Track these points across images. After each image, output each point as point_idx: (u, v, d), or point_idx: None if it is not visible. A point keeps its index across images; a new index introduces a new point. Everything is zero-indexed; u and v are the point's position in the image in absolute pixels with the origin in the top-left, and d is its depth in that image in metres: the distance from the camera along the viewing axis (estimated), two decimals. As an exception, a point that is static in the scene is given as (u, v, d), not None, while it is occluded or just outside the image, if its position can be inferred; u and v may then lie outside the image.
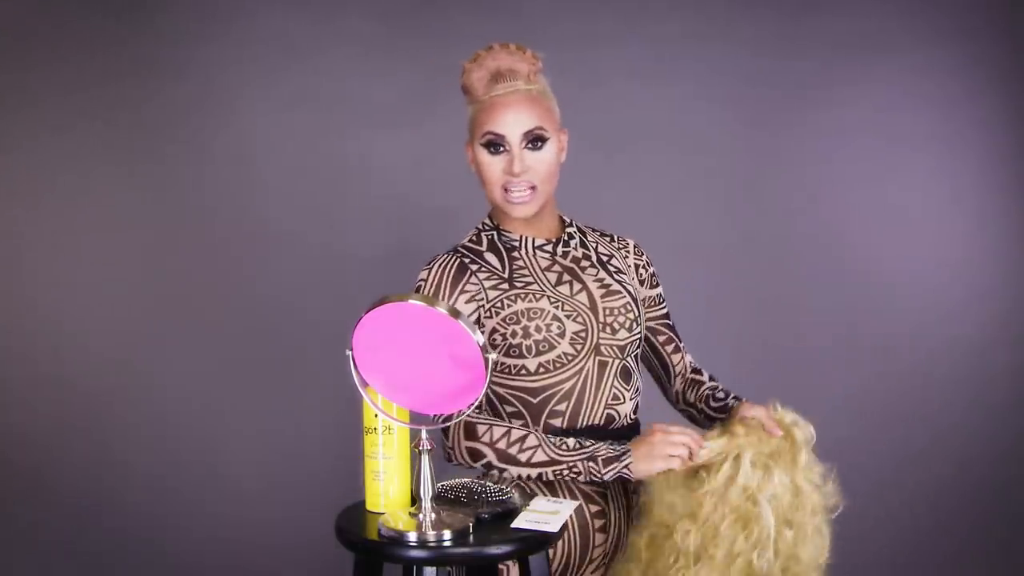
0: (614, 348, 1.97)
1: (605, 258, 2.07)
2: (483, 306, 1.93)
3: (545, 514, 1.74)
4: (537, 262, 1.99)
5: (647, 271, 2.13)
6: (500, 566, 1.88)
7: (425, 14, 3.17)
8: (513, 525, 1.71)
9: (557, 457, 1.85)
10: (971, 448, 3.42)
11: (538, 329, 1.91)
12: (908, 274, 3.43)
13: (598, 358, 1.96)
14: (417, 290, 1.95)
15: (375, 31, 3.14)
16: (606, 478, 1.84)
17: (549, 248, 2.02)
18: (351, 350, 1.64)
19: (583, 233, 2.09)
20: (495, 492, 1.79)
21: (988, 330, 3.44)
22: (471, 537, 1.66)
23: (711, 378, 2.12)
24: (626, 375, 1.99)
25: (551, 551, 1.90)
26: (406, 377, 1.64)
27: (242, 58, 3.07)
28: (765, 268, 3.35)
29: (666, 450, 1.82)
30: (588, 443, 1.86)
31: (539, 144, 1.93)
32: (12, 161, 2.98)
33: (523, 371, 1.93)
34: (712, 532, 1.76)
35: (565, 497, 1.93)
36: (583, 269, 2.02)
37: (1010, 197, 3.46)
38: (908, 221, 3.42)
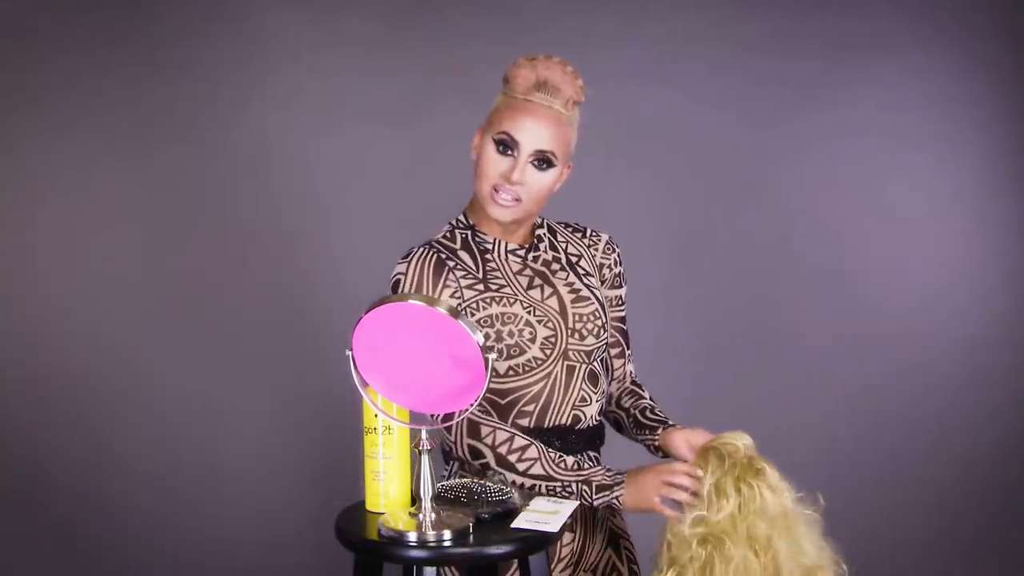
0: (581, 353, 1.98)
1: (575, 259, 2.06)
2: (460, 304, 1.93)
3: (545, 514, 1.74)
4: (509, 266, 1.99)
5: (612, 271, 2.10)
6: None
7: (424, 14, 3.17)
8: (513, 525, 1.71)
9: (553, 474, 1.86)
10: (972, 449, 3.42)
11: (510, 334, 1.91)
12: (909, 274, 3.43)
13: (566, 363, 1.96)
14: (396, 283, 1.93)
15: (375, 31, 3.14)
16: (595, 504, 1.85)
17: (521, 252, 2.01)
18: (351, 350, 1.64)
19: (553, 233, 2.08)
20: (495, 492, 1.79)
21: (989, 330, 3.44)
22: (471, 537, 1.66)
23: (651, 398, 2.11)
24: (593, 379, 2.00)
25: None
26: (406, 377, 1.64)
27: (242, 58, 3.07)
28: (765, 268, 3.35)
29: (660, 491, 1.81)
30: (586, 465, 1.87)
31: (543, 166, 1.92)
32: (13, 161, 2.98)
33: (492, 373, 1.93)
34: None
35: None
36: (553, 273, 2.01)
37: (1010, 197, 3.46)
38: (909, 221, 3.42)
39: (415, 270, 1.94)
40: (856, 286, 3.39)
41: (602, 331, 2.01)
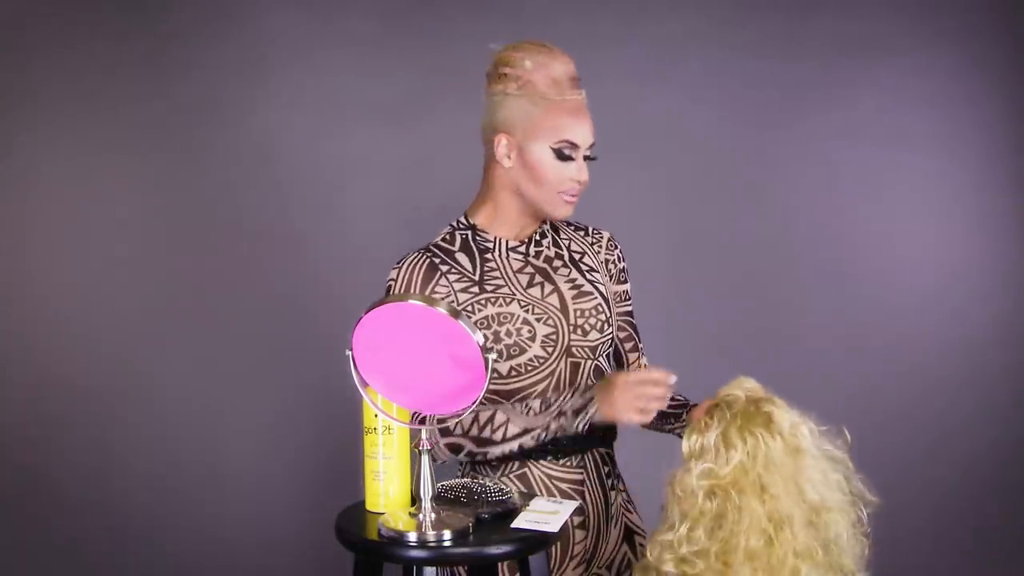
0: (585, 349, 1.98)
1: (577, 256, 2.06)
2: None
3: (545, 514, 1.74)
4: (509, 264, 1.99)
5: (616, 266, 2.12)
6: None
7: (423, 14, 3.17)
8: (513, 525, 1.71)
9: (528, 425, 1.88)
10: (972, 449, 3.42)
11: (508, 334, 1.92)
12: (908, 274, 3.43)
13: (570, 360, 1.97)
14: (387, 290, 1.95)
15: (374, 31, 3.14)
16: (580, 429, 1.87)
17: (522, 249, 2.01)
18: (351, 350, 1.64)
19: (556, 230, 2.08)
20: (495, 492, 1.79)
21: (989, 330, 3.44)
22: (471, 537, 1.67)
23: None
24: (599, 374, 2.00)
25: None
26: (406, 377, 1.64)
27: (242, 58, 3.07)
28: (765, 269, 3.35)
29: (633, 403, 1.83)
30: (553, 398, 1.89)
31: (592, 157, 1.97)
32: (13, 160, 2.98)
33: (495, 375, 1.93)
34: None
35: (556, 497, 1.93)
36: (555, 269, 2.02)
37: (1010, 197, 3.45)
38: (908, 222, 3.42)
39: (405, 275, 1.95)
40: (856, 286, 3.39)
41: (606, 326, 2.00)
